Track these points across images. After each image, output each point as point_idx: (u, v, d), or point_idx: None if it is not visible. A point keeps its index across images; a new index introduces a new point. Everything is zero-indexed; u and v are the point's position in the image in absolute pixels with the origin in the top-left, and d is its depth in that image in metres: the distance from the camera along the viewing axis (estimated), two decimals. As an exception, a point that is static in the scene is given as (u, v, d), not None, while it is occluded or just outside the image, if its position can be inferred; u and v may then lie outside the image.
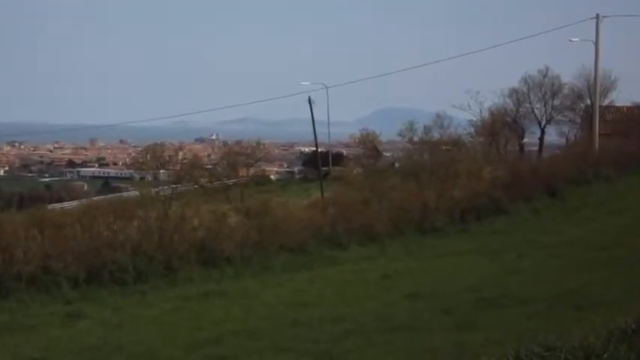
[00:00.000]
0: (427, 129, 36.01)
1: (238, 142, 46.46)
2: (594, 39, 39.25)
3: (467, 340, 9.99)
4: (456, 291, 14.51)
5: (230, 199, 27.68)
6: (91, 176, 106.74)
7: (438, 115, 40.30)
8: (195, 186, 32.57)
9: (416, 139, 36.09)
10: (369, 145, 44.09)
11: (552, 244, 20.07)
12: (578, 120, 51.96)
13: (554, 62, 72.76)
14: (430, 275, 17.57)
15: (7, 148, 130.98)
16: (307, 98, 43.97)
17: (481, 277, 16.16)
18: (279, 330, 12.64)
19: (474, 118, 49.06)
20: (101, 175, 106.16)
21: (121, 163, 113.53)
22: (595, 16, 38.76)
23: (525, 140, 52.84)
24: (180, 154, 42.37)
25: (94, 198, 30.30)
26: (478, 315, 11.83)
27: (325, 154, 53.94)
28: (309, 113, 43.81)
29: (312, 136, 45.09)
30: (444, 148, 33.42)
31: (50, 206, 30.62)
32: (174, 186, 27.64)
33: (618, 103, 50.94)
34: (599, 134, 38.99)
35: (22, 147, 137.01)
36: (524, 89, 52.92)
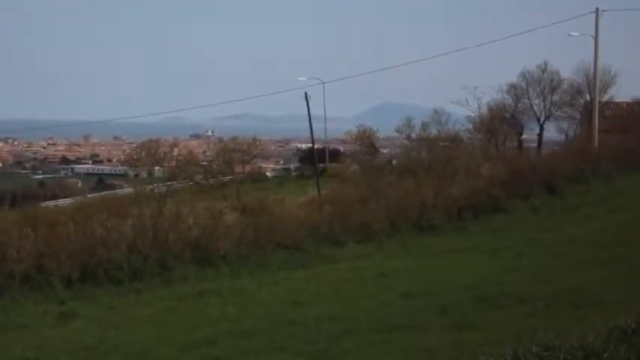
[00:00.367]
0: (425, 125, 36.02)
1: (234, 139, 45.97)
2: (594, 34, 39.05)
3: (465, 339, 9.94)
4: (453, 289, 14.43)
5: (226, 196, 27.60)
6: (85, 173, 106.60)
7: (436, 111, 40.33)
8: (191, 183, 32.49)
9: (413, 135, 36.11)
10: (366, 141, 43.98)
11: (551, 242, 19.96)
12: (578, 116, 51.75)
13: (553, 57, 72.38)
14: (428, 273, 17.49)
15: (0, 145, 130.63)
16: (304, 94, 43.84)
17: (479, 275, 16.08)
18: (275, 329, 12.55)
19: (472, 114, 48.90)
20: (95, 172, 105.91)
21: (115, 160, 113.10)
22: (594, 10, 38.59)
23: (524, 136, 52.63)
24: (176, 150, 42.21)
25: (88, 195, 30.23)
26: (476, 314, 11.79)
27: (322, 151, 53.74)
28: (306, 109, 43.71)
29: (309, 133, 44.91)
30: (441, 144, 33.36)
31: (44, 204, 30.52)
32: (169, 183, 27.53)
33: (618, 99, 50.82)
34: (599, 130, 38.75)
35: (15, 143, 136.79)
36: (523, 85, 52.56)
